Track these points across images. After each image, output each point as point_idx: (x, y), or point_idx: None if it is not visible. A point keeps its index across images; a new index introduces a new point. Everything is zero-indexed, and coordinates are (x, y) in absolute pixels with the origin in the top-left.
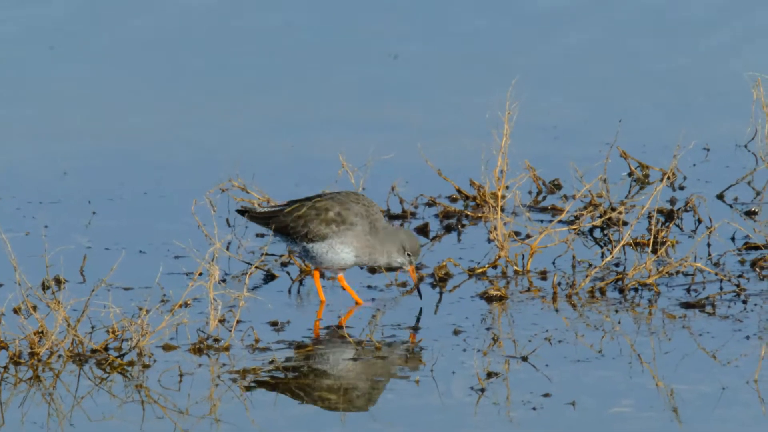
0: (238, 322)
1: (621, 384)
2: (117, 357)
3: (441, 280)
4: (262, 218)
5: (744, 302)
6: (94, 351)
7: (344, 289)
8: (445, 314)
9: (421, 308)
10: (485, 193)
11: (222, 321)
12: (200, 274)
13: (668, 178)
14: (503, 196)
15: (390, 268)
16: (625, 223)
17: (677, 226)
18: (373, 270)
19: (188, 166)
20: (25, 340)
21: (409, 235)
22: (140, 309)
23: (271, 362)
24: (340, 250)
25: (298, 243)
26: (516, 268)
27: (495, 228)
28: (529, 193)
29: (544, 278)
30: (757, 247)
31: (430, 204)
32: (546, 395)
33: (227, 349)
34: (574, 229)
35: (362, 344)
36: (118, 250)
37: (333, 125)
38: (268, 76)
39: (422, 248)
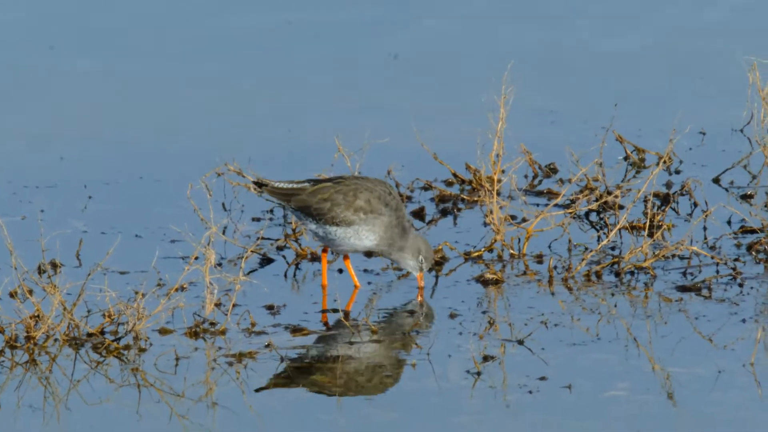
0: (234, 305)
1: (617, 367)
2: (113, 341)
3: (437, 263)
4: (282, 194)
5: (740, 285)
6: (90, 335)
7: (347, 269)
8: (441, 298)
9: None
10: (481, 177)
11: (218, 305)
12: (196, 258)
13: (664, 162)
14: (499, 180)
15: (397, 267)
16: (621, 207)
17: (673, 209)
18: (369, 254)
19: (184, 150)
20: (21, 324)
21: (425, 243)
22: (136, 293)
23: (267, 346)
24: (365, 237)
25: (319, 224)
26: (512, 251)
27: (491, 212)
28: (525, 177)
29: (540, 262)
30: (753, 231)
31: (426, 188)
32: (542, 378)
33: (223, 332)
34: (570, 213)
35: (358, 328)
36: (114, 235)
37: (328, 109)
38: (263, 62)
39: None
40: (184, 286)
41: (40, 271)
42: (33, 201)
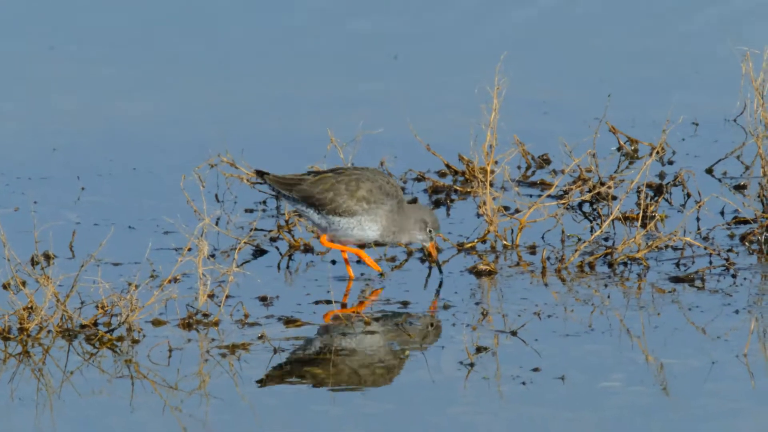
0: (227, 297)
1: (610, 358)
2: (106, 332)
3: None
4: (284, 184)
5: (733, 276)
6: (83, 326)
7: (343, 259)
8: (435, 289)
9: (441, 280)
10: (474, 168)
11: (211, 296)
12: (189, 250)
13: (657, 152)
14: (492, 171)
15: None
16: (614, 198)
17: (666, 200)
18: (363, 245)
19: (177, 142)
20: (14, 315)
21: (429, 212)
22: (129, 284)
23: (260, 337)
24: (368, 227)
25: (321, 214)
26: (505, 242)
27: (484, 203)
28: (518, 167)
29: (533, 253)
30: (746, 222)
31: (419, 179)
32: (535, 370)
33: (216, 324)
34: (563, 204)
35: (351, 319)
36: (108, 226)
37: (321, 101)
38: (256, 53)
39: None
40: (177, 277)
41: (34, 262)
42: (26, 192)
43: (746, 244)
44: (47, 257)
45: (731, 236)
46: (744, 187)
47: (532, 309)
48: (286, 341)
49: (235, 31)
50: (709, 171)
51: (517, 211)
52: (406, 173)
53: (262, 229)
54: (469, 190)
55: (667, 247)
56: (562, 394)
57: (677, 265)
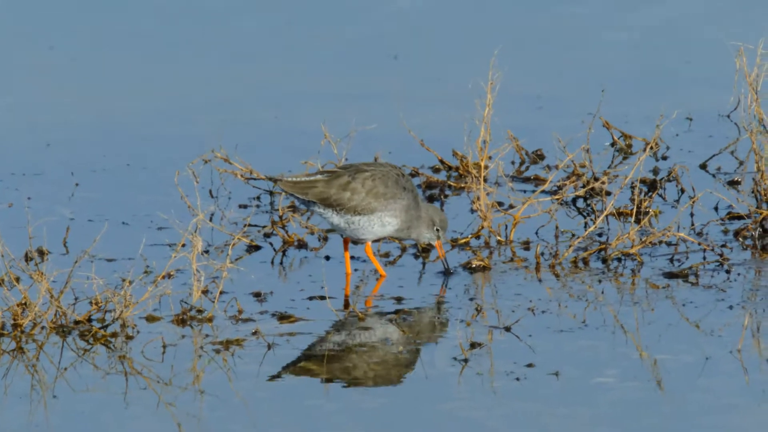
0: (221, 293)
1: (604, 354)
2: (100, 328)
3: (424, 250)
4: (299, 187)
5: (727, 272)
6: (77, 322)
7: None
8: (429, 285)
9: (446, 280)
10: (468, 164)
11: (205, 292)
12: (183, 246)
13: (651, 148)
14: (486, 167)
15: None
16: (608, 193)
17: (660, 196)
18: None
19: (171, 137)
20: (8, 311)
21: (437, 211)
22: (123, 280)
23: (254, 333)
24: (387, 222)
25: (340, 214)
26: (499, 238)
27: (478, 198)
28: (512, 163)
29: (527, 248)
30: (740, 217)
31: (413, 174)
32: (529, 365)
33: (210, 320)
34: (557, 200)
35: (347, 315)
36: (101, 222)
37: (315, 96)
38: (250, 48)
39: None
40: (171, 273)
41: (27, 258)
42: (20, 188)
43: (740, 239)
44: (41, 253)
45: (725, 232)
46: (738, 182)
47: (526, 305)
48: (280, 337)
49: (229, 27)
50: (703, 166)
51: (511, 206)
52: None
53: (256, 225)
54: (462, 185)
55: (661, 242)
56: (556, 389)
57: (671, 260)
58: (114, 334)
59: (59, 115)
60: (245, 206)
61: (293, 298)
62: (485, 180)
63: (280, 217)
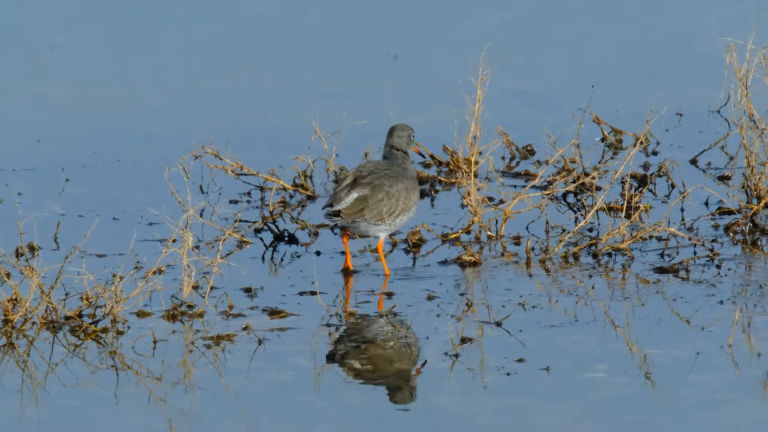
0: (211, 288)
1: (595, 349)
2: (91, 324)
3: (415, 245)
4: (356, 212)
5: (718, 267)
6: (67, 318)
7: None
8: (419, 280)
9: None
10: (458, 159)
11: (195, 287)
12: (174, 241)
13: (641, 143)
14: (476, 162)
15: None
16: (598, 188)
17: (650, 191)
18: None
19: (161, 133)
20: None
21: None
22: (114, 276)
23: (245, 329)
24: (413, 211)
25: (389, 222)
26: (489, 233)
27: (468, 193)
28: (503, 158)
29: (517, 243)
30: (730, 212)
31: None
32: (520, 360)
33: (201, 315)
34: (548, 195)
35: (336, 311)
36: (92, 217)
37: (305, 92)
38: (240, 44)
39: None
40: (162, 268)
41: (18, 254)
42: (10, 184)
43: (730, 234)
44: (32, 249)
45: (715, 227)
46: (728, 177)
47: (516, 300)
48: (271, 332)
49: (220, 23)
50: (694, 162)
51: (501, 201)
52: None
53: (246, 221)
54: (453, 180)
55: (651, 237)
56: (547, 384)
57: (662, 255)
58: (105, 330)
59: (49, 111)
60: (236, 202)
61: (284, 293)
62: (476, 175)
63: (271, 212)
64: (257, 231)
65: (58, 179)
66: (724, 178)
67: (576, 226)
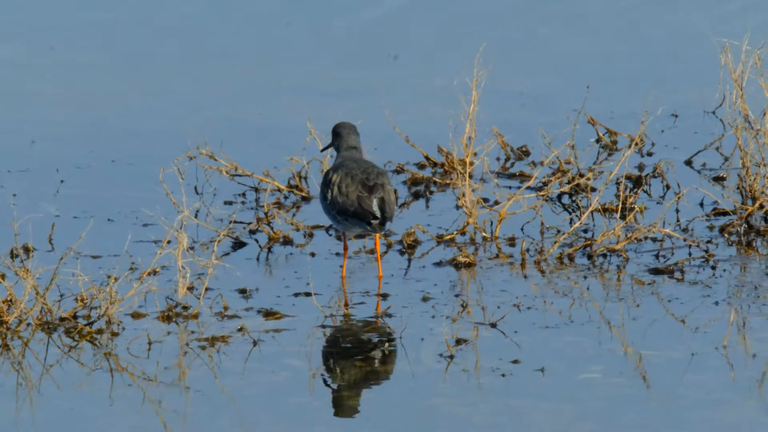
0: (206, 289)
1: (590, 350)
2: (86, 325)
3: (409, 246)
4: (382, 212)
5: (713, 268)
6: (62, 319)
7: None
8: (414, 281)
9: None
10: (453, 160)
11: (190, 289)
12: (168, 242)
13: (636, 144)
14: (471, 163)
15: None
16: (593, 189)
17: (645, 192)
18: (339, 237)
19: (156, 134)
20: None
21: None
22: (109, 277)
23: (240, 330)
24: None
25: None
26: (484, 234)
27: (463, 194)
28: (497, 159)
29: (512, 245)
30: (725, 213)
31: (398, 171)
32: (515, 362)
33: (196, 316)
34: (543, 196)
35: (330, 311)
36: (87, 219)
37: (300, 92)
38: (235, 44)
39: None
40: (157, 270)
41: (13, 255)
42: (5, 185)
43: (725, 235)
44: (26, 250)
45: (711, 228)
46: (723, 178)
47: (511, 301)
48: (266, 333)
49: (214, 22)
50: (689, 162)
51: (496, 202)
52: (385, 165)
53: (241, 222)
54: (448, 181)
55: (646, 238)
56: (542, 385)
57: (657, 256)
58: (99, 331)
59: (44, 111)
60: (230, 203)
61: (279, 294)
62: (470, 176)
63: (266, 213)
64: (252, 232)
65: (52, 180)
66: (719, 179)
67: (571, 227)
